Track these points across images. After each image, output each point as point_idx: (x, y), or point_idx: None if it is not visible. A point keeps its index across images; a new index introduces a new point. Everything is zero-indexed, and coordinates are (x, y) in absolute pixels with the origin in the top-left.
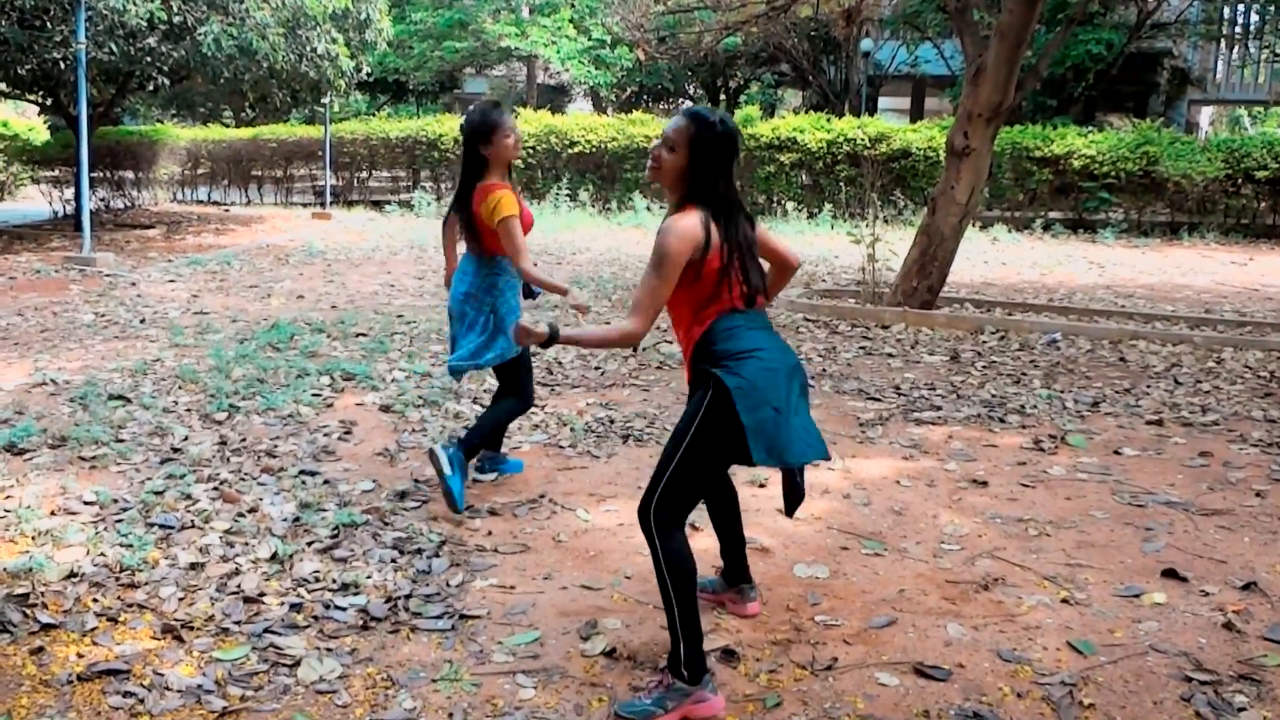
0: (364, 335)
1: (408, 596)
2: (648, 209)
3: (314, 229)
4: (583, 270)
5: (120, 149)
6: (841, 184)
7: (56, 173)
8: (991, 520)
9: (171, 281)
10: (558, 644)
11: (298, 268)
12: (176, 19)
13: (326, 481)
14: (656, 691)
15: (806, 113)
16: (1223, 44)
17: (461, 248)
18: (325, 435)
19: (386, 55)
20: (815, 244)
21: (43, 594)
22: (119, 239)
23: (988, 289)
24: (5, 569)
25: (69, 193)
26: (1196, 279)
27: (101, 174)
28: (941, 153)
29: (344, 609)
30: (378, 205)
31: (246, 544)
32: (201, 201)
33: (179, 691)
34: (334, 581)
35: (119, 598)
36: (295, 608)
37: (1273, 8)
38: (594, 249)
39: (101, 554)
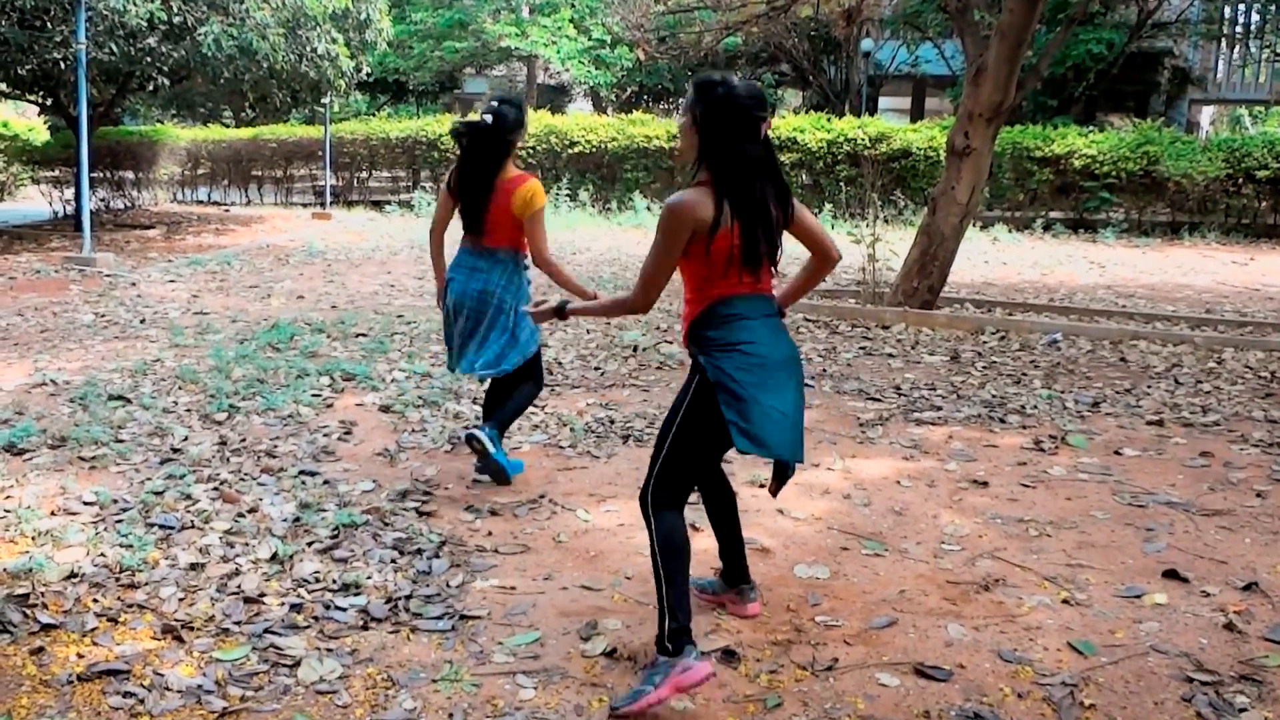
0: (364, 335)
1: (408, 597)
2: (648, 209)
3: (314, 229)
4: (583, 270)
5: (120, 149)
6: (842, 184)
7: (56, 173)
8: (992, 521)
9: (171, 282)
10: (558, 644)
11: (298, 268)
12: (176, 19)
13: (326, 482)
14: (644, 673)
15: (807, 113)
16: (1223, 43)
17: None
18: (325, 435)
19: (386, 55)
20: None
21: (43, 594)
22: (119, 239)
23: (988, 289)
24: (5, 569)
25: (69, 193)
26: (1197, 279)
27: (101, 174)
28: (942, 153)
29: (344, 609)
30: (378, 205)
31: (246, 544)
32: (201, 202)
33: (179, 692)
34: (334, 582)
35: (119, 598)
36: (295, 608)
37: (1273, 7)
38: (594, 249)
39: (101, 554)
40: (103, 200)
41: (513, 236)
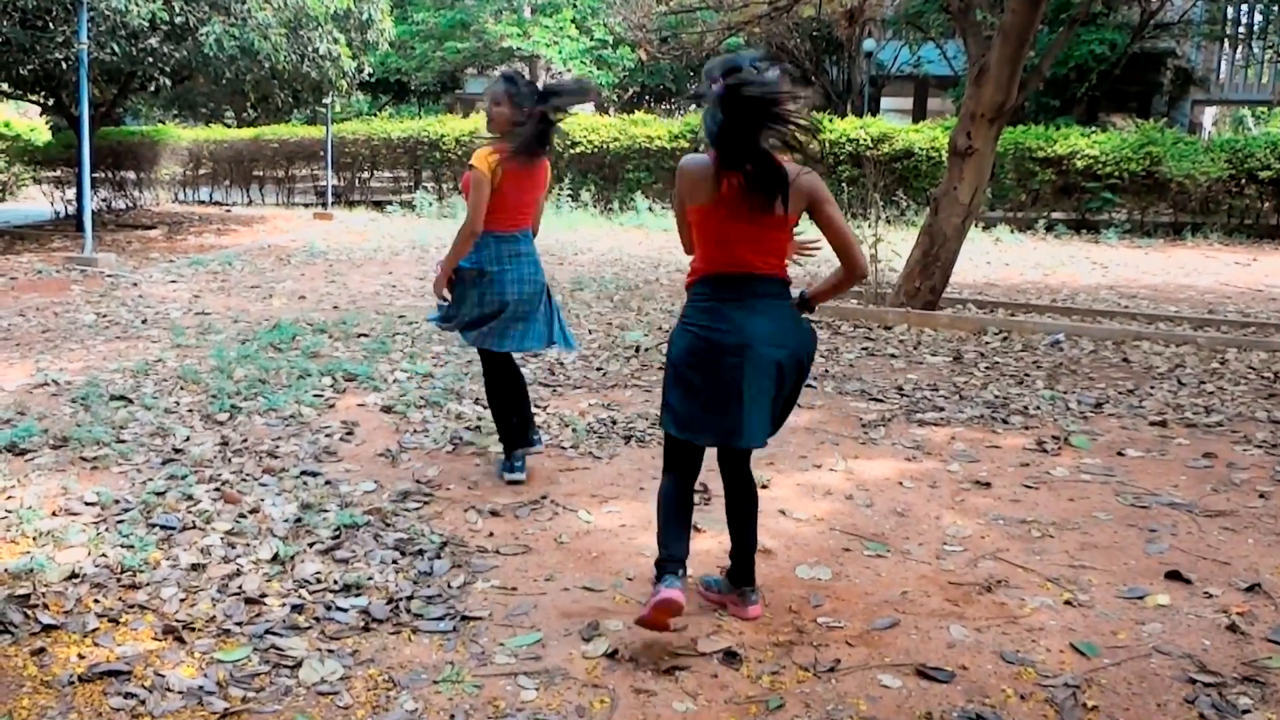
0: (366, 336)
1: (409, 598)
2: (649, 209)
3: (316, 229)
4: (585, 271)
5: (122, 149)
6: (844, 184)
7: (58, 173)
8: (994, 521)
9: (173, 282)
10: (559, 645)
11: (299, 268)
12: (178, 19)
13: (328, 482)
14: None
15: (808, 113)
16: (1226, 44)
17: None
18: (327, 436)
19: (388, 56)
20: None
21: (44, 595)
22: (120, 239)
23: (990, 289)
24: (6, 570)
25: (71, 193)
26: (1200, 279)
27: (103, 174)
28: (944, 153)
29: (345, 610)
30: (379, 206)
31: (248, 545)
32: (203, 202)
33: (180, 693)
34: (335, 583)
35: (120, 599)
36: (297, 609)
37: (1276, 8)
38: (596, 249)
39: (103, 555)
40: (104, 200)
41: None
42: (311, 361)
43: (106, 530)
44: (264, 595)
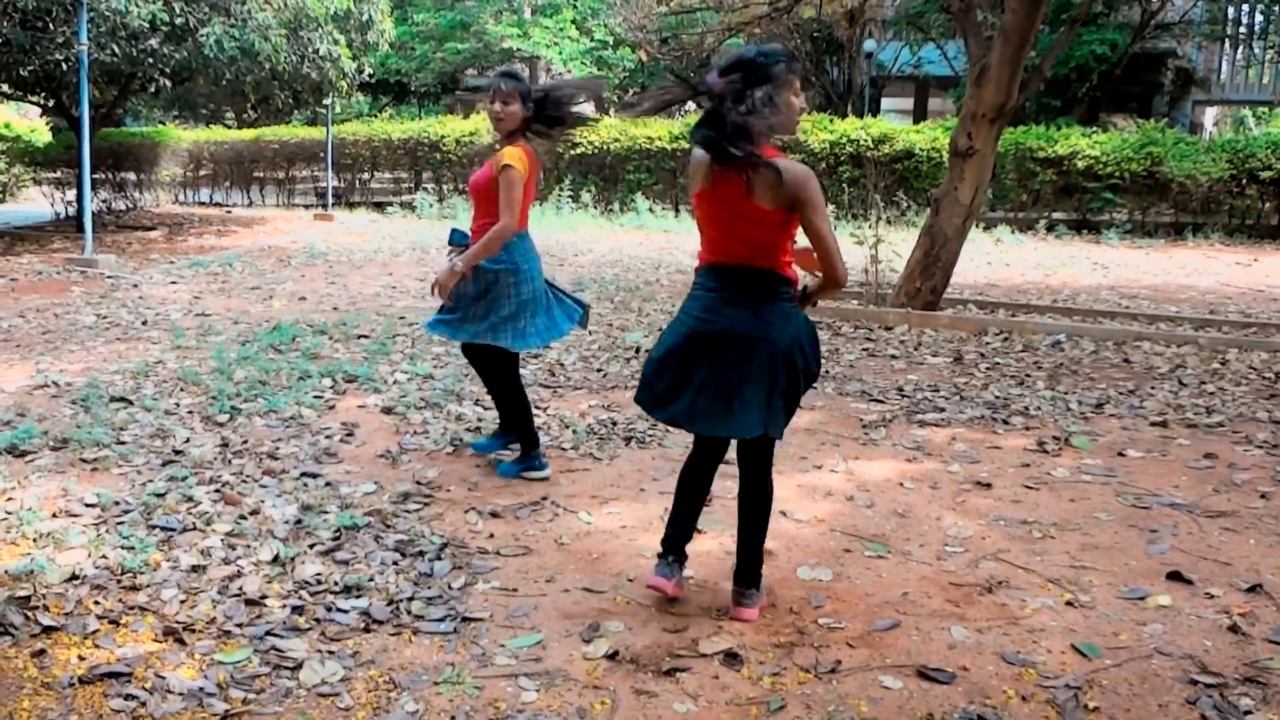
0: (366, 337)
1: (410, 599)
2: (650, 210)
3: (316, 230)
4: (585, 272)
5: (122, 150)
6: (845, 185)
7: (58, 174)
8: (995, 522)
9: (173, 283)
10: (560, 647)
11: (300, 269)
12: (179, 20)
13: (328, 484)
14: None
15: (809, 114)
16: (1227, 44)
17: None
18: (327, 437)
19: (388, 57)
20: None
21: (44, 596)
22: (121, 240)
23: (991, 290)
24: (7, 571)
25: (71, 194)
26: (1201, 280)
27: (103, 175)
28: (945, 153)
29: (346, 611)
30: (380, 207)
31: (248, 546)
32: (203, 203)
33: (181, 694)
34: (336, 584)
35: (120, 600)
36: (297, 610)
37: (1277, 8)
38: (596, 250)
39: (103, 556)
40: (104, 202)
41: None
42: (312, 363)
43: (107, 532)
44: (264, 597)
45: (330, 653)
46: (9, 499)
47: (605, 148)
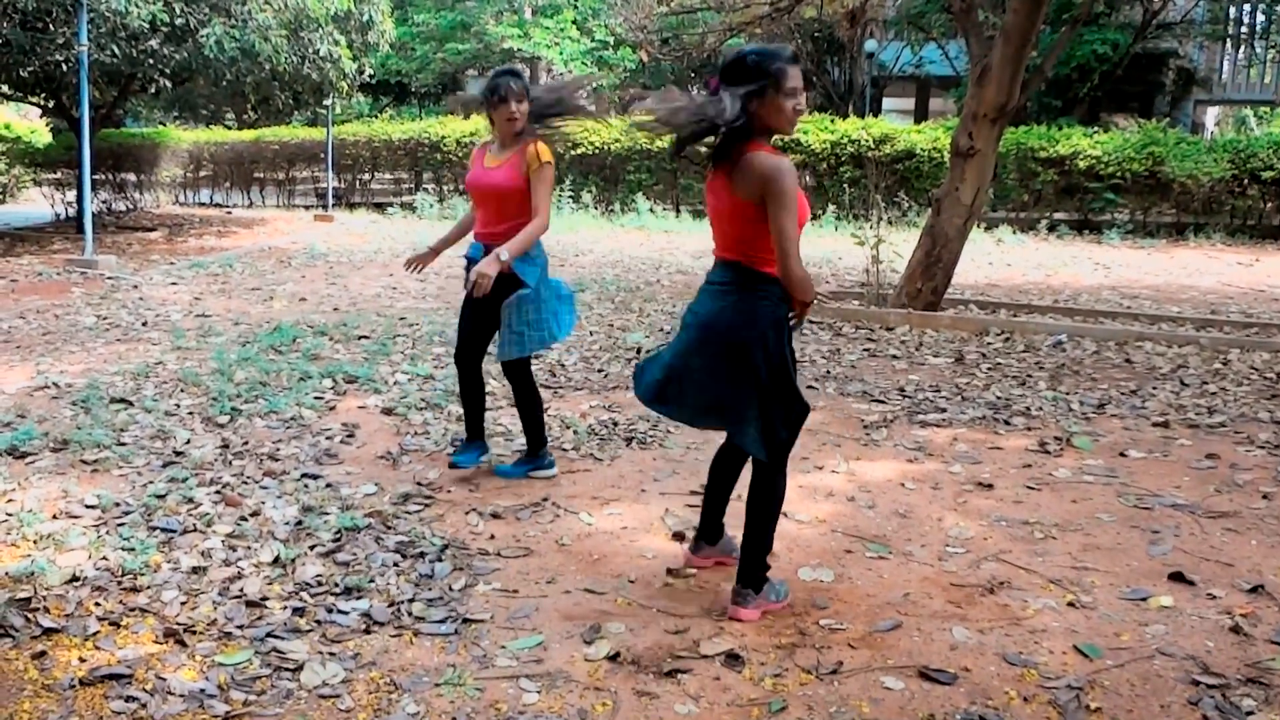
0: (366, 338)
1: (410, 600)
2: (650, 211)
3: (316, 231)
4: (586, 272)
5: (122, 151)
6: (845, 185)
7: (59, 175)
8: (997, 523)
9: (173, 284)
10: (561, 648)
11: (300, 270)
12: (179, 21)
13: (329, 485)
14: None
15: (810, 114)
16: (1229, 44)
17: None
18: (328, 438)
19: (389, 57)
20: (819, 245)
21: (44, 598)
22: (121, 241)
23: (992, 290)
24: (7, 573)
25: (71, 195)
26: (1202, 280)
27: (103, 176)
28: (946, 154)
29: (347, 613)
30: (380, 207)
31: (249, 548)
32: (204, 204)
33: (181, 696)
34: (336, 585)
35: (121, 602)
36: (298, 612)
37: (1279, 8)
38: (597, 250)
39: (103, 558)
40: (105, 202)
41: None
42: (312, 364)
43: (107, 533)
44: (265, 598)
45: (331, 654)
46: (9, 500)
47: (606, 148)
